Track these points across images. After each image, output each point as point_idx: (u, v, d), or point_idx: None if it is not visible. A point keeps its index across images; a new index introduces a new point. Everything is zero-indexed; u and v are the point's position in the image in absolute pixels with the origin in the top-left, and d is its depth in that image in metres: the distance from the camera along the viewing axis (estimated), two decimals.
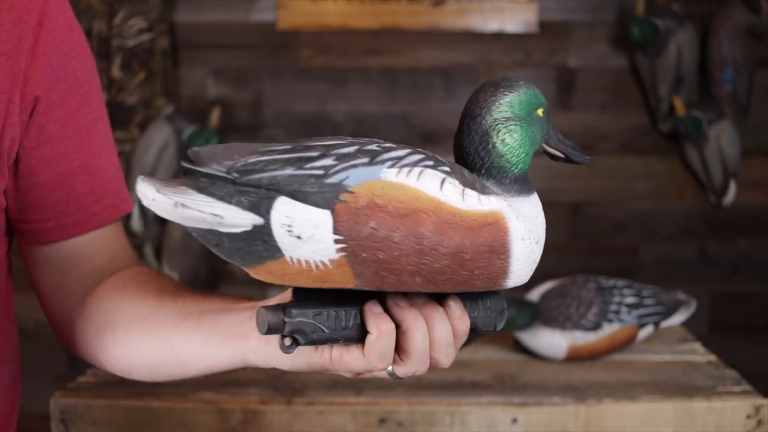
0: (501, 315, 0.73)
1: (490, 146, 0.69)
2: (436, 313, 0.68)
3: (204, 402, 1.37)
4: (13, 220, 0.84)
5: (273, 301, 0.71)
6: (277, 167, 0.62)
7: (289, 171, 0.62)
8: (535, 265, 0.69)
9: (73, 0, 0.91)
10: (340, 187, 0.62)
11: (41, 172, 0.81)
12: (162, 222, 2.45)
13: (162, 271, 1.94)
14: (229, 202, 0.61)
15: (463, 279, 0.66)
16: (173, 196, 0.60)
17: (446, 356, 0.69)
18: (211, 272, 2.53)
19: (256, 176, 0.61)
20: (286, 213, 0.61)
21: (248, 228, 0.61)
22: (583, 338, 1.54)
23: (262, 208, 0.61)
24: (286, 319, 0.65)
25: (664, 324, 1.62)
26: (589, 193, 2.54)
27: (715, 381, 1.47)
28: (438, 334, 0.68)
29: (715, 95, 2.47)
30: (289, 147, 0.64)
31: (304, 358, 0.70)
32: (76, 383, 1.42)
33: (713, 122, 2.43)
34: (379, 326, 0.66)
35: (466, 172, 0.67)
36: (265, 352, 0.72)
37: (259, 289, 2.36)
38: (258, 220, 0.61)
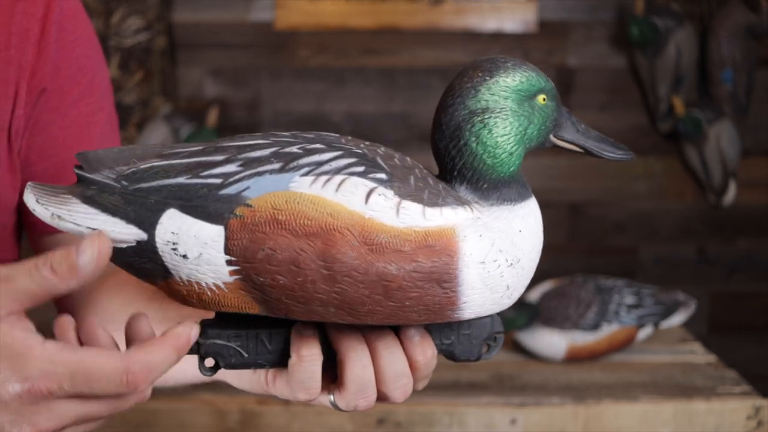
0: (488, 342, 0.62)
1: (462, 144, 0.57)
2: (383, 341, 0.59)
3: (201, 403, 1.37)
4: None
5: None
6: (170, 175, 0.54)
7: (181, 179, 0.53)
8: (516, 291, 0.58)
9: None
10: (237, 200, 0.53)
11: (38, 161, 0.80)
12: None
13: None
14: (113, 214, 0.53)
15: (391, 311, 0.54)
16: (51, 206, 0.54)
17: (397, 390, 0.60)
18: None
19: (145, 185, 0.54)
20: (172, 229, 0.53)
21: (133, 244, 0.54)
22: (582, 338, 1.53)
23: (147, 222, 0.53)
24: (200, 340, 0.58)
25: (664, 324, 1.61)
26: (588, 193, 2.54)
27: (714, 381, 1.47)
28: (385, 365, 0.59)
29: (715, 95, 2.47)
30: (199, 149, 0.56)
31: (245, 378, 0.66)
32: None
33: (713, 122, 2.42)
34: (299, 351, 0.58)
35: (422, 178, 0.56)
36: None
37: None
38: (142, 235, 0.53)
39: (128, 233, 0.54)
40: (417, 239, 0.53)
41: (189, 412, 1.35)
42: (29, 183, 0.55)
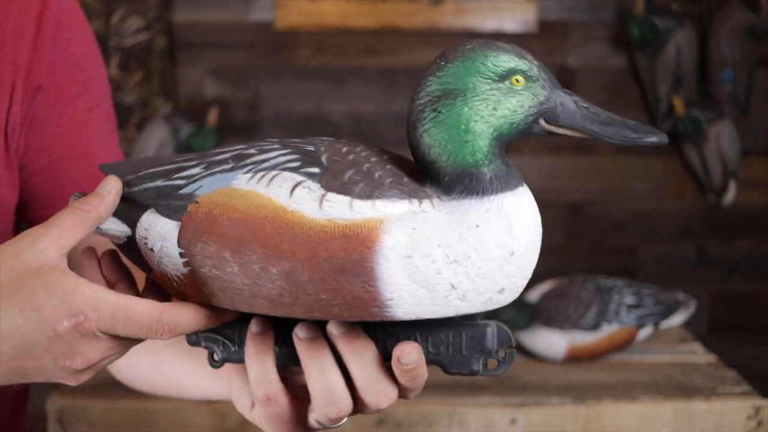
0: (492, 357, 0.58)
1: (418, 136, 0.55)
2: (350, 344, 0.56)
3: (201, 403, 1.37)
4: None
5: None
6: (152, 179, 0.59)
7: (158, 182, 0.58)
8: (471, 294, 0.53)
9: None
10: (190, 197, 0.56)
11: (35, 158, 0.80)
12: None
13: None
14: (114, 214, 0.60)
15: (309, 305, 0.53)
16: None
17: (375, 396, 0.57)
18: None
19: (135, 189, 0.59)
20: (145, 225, 0.58)
21: (124, 239, 0.60)
22: (582, 338, 1.53)
23: (132, 220, 0.59)
24: (200, 333, 0.61)
25: (664, 324, 1.61)
26: (588, 193, 2.54)
27: (714, 381, 1.46)
28: (355, 369, 0.57)
29: (715, 95, 2.47)
30: (188, 156, 0.60)
31: (239, 404, 0.66)
32: None
33: (713, 122, 2.42)
34: (248, 349, 0.59)
35: (367, 171, 0.54)
36: (240, 398, 0.66)
37: None
38: (128, 231, 0.60)
39: (120, 230, 0.60)
40: (335, 231, 0.52)
41: (189, 412, 1.35)
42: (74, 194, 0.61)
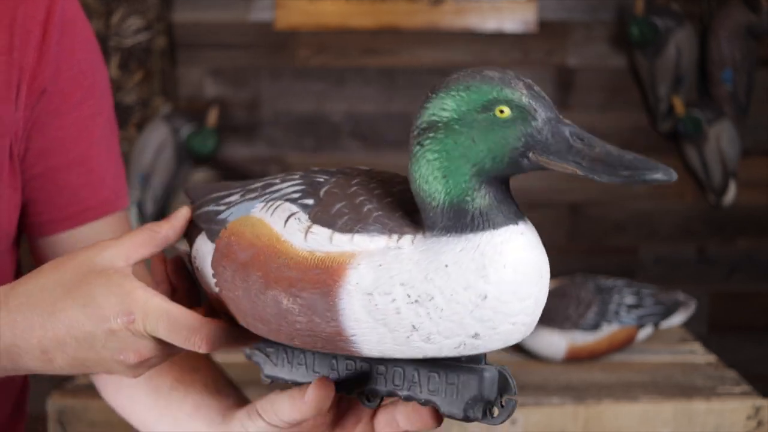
0: (484, 406, 0.54)
1: (408, 168, 0.53)
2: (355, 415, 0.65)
3: None
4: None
5: None
6: (208, 204, 0.63)
7: (211, 207, 0.63)
8: (435, 336, 0.50)
9: None
10: (224, 223, 0.60)
11: (36, 163, 0.80)
12: None
13: None
14: (184, 234, 0.65)
15: (290, 333, 0.55)
16: None
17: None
18: None
19: (198, 212, 0.64)
20: (196, 246, 0.62)
21: (188, 255, 0.65)
22: (582, 338, 1.53)
23: (191, 240, 0.64)
24: (247, 350, 0.65)
25: (664, 324, 1.61)
26: (588, 193, 2.54)
27: (714, 381, 1.47)
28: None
29: (715, 95, 2.47)
30: (239, 184, 0.64)
31: None
32: (73, 384, 1.42)
33: (713, 122, 2.42)
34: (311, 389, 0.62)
35: (357, 204, 0.53)
36: None
37: None
38: (188, 250, 0.65)
39: (183, 248, 0.66)
40: (311, 263, 0.52)
41: None
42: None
